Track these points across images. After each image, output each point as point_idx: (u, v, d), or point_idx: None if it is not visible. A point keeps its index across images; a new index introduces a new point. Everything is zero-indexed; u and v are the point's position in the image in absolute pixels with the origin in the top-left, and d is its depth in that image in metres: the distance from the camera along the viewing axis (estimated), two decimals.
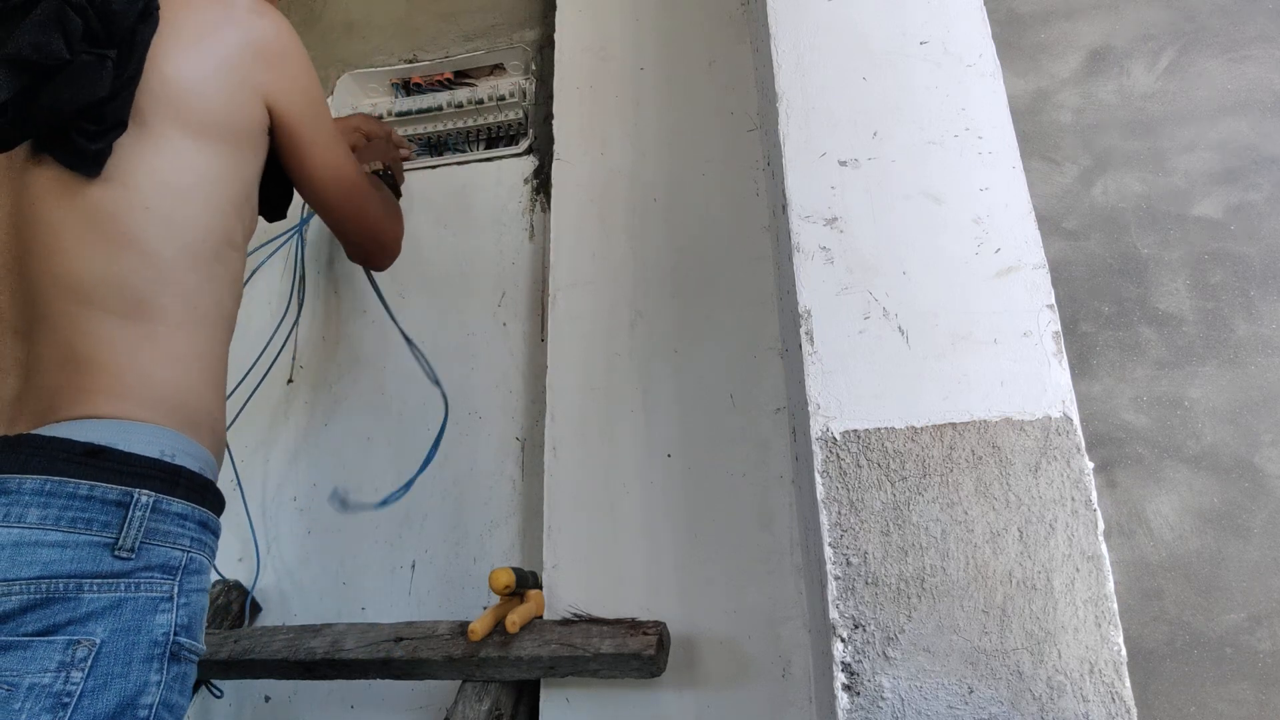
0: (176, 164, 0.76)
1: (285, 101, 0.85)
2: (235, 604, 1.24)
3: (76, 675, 0.61)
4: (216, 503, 0.76)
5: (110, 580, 0.65)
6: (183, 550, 0.70)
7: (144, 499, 0.67)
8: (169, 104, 0.76)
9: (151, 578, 0.67)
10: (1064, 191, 1.11)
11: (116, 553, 0.65)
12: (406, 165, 1.47)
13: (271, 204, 0.96)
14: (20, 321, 0.74)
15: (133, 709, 0.64)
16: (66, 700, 0.60)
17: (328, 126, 0.92)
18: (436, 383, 1.24)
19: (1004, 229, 0.71)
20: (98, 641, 0.63)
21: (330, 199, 0.95)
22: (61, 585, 0.63)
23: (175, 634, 0.68)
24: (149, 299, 0.73)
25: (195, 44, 0.78)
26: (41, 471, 0.64)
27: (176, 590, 0.69)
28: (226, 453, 1.31)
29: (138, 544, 0.66)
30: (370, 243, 1.05)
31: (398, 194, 1.27)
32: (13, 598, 0.61)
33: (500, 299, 1.35)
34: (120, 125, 0.72)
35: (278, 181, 0.94)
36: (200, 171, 0.78)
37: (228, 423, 1.30)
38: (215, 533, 0.76)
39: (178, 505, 0.70)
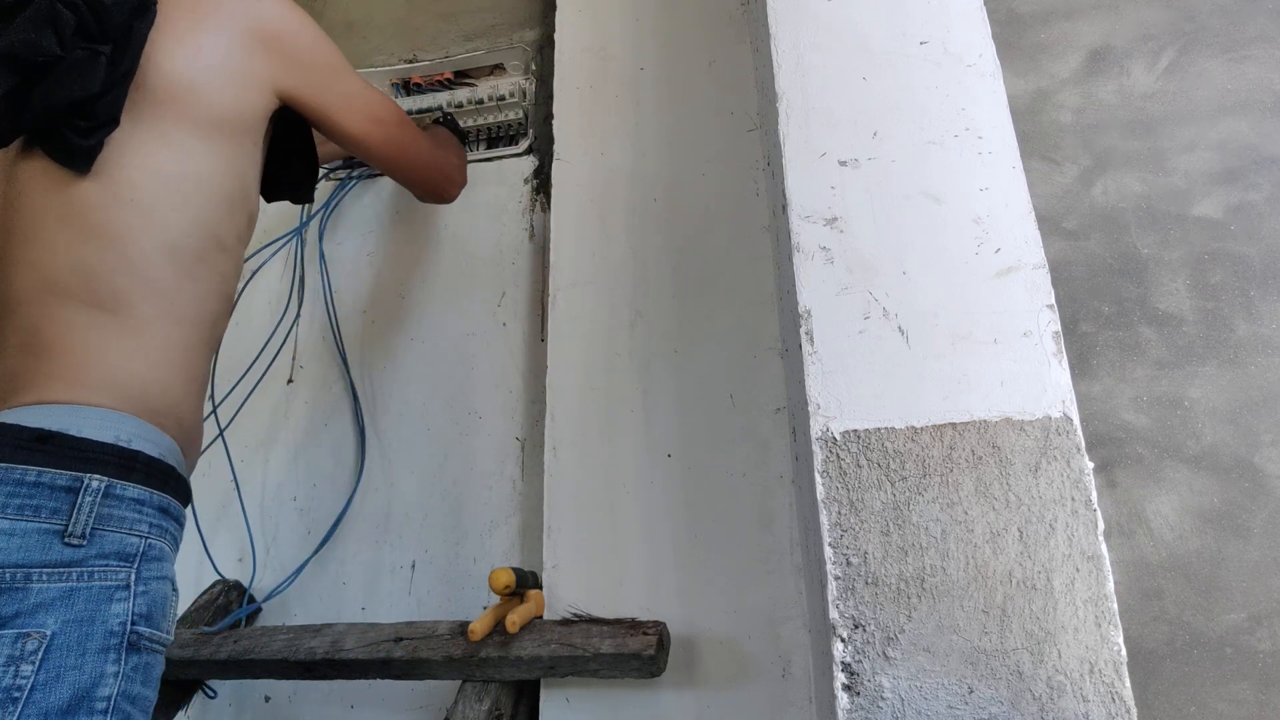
0: (169, 160, 0.76)
1: (295, 82, 0.85)
2: (235, 604, 1.24)
3: (26, 669, 0.59)
4: (179, 489, 0.74)
5: (60, 569, 0.63)
6: (140, 536, 0.68)
7: (95, 484, 0.65)
8: (166, 99, 0.75)
9: (106, 565, 0.65)
10: (1064, 191, 1.11)
11: (67, 540, 0.63)
12: None
13: (297, 185, 0.96)
14: None
15: (89, 701, 0.62)
16: (16, 695, 0.59)
17: (349, 82, 0.92)
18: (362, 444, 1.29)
19: (1004, 229, 0.71)
20: (48, 633, 0.61)
21: (375, 147, 0.96)
22: (8, 575, 0.61)
23: (133, 623, 0.66)
24: (120, 291, 0.72)
25: (192, 37, 0.77)
26: None
27: (134, 578, 0.67)
28: (226, 453, 1.31)
29: (89, 530, 0.65)
30: (432, 174, 1.07)
31: (462, 137, 1.34)
32: None
33: (500, 299, 1.35)
34: (112, 122, 0.71)
35: (302, 162, 0.95)
36: (193, 168, 0.77)
37: (225, 421, 1.30)
38: (178, 520, 0.74)
39: (133, 490, 0.68)
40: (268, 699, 1.22)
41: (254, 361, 1.38)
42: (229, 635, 1.12)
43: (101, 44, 0.70)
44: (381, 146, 0.96)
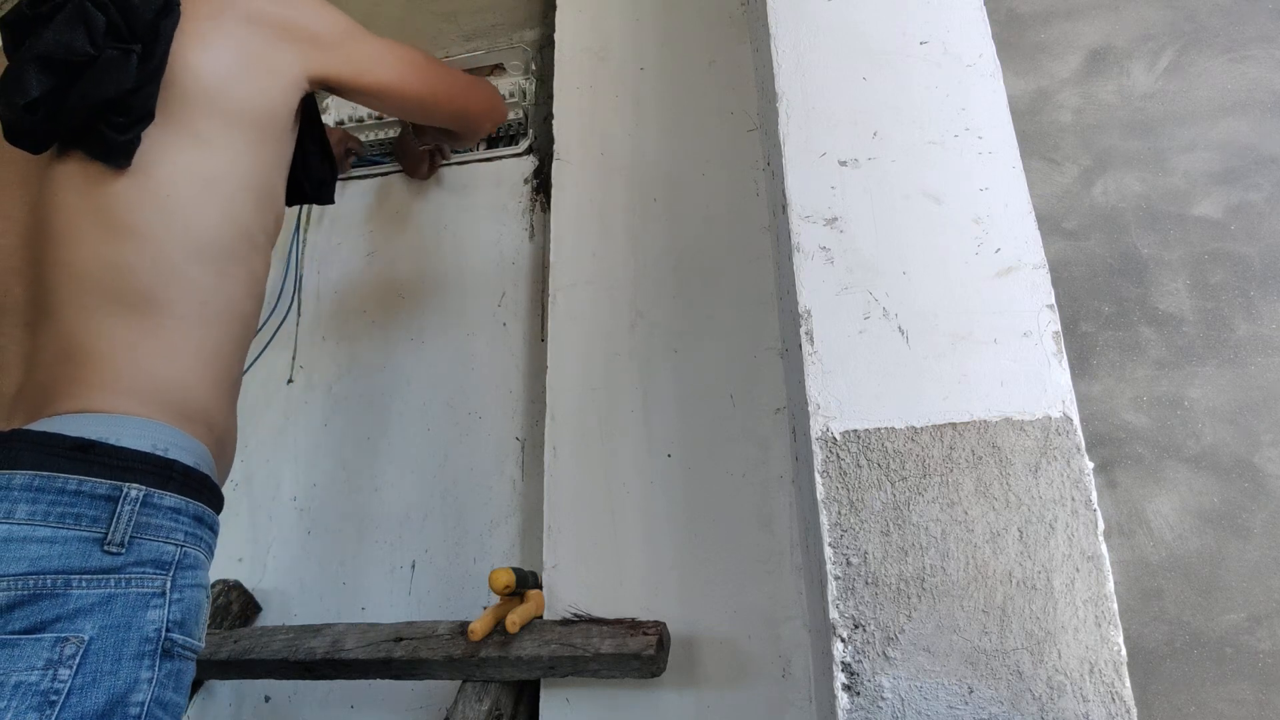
0: (201, 156, 0.77)
1: (323, 60, 0.87)
2: (235, 604, 1.24)
3: (64, 673, 0.60)
4: (214, 498, 0.75)
5: (99, 576, 0.64)
6: (176, 545, 0.69)
7: (134, 493, 0.66)
8: (195, 95, 0.77)
9: (143, 573, 0.66)
10: (1064, 191, 1.11)
11: (106, 548, 0.64)
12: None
13: (319, 186, 0.98)
14: (30, 314, 0.75)
15: (123, 706, 0.63)
16: (54, 698, 0.59)
17: (371, 40, 0.93)
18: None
19: (1004, 229, 0.71)
20: (86, 638, 0.62)
21: (418, 91, 0.97)
22: (49, 581, 0.62)
23: (168, 630, 0.66)
24: (156, 291, 0.73)
25: (216, 33, 0.79)
26: (31, 467, 0.64)
27: (169, 585, 0.67)
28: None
29: (128, 539, 0.65)
30: (477, 99, 1.08)
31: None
32: (0, 594, 0.61)
33: (500, 299, 1.35)
34: (148, 116, 0.73)
35: (322, 161, 0.96)
36: (224, 163, 0.78)
37: None
38: (212, 528, 0.75)
39: (170, 499, 0.69)
40: (268, 699, 1.22)
41: (254, 361, 1.38)
42: (229, 635, 1.12)
43: (132, 43, 0.72)
44: (423, 88, 0.97)
